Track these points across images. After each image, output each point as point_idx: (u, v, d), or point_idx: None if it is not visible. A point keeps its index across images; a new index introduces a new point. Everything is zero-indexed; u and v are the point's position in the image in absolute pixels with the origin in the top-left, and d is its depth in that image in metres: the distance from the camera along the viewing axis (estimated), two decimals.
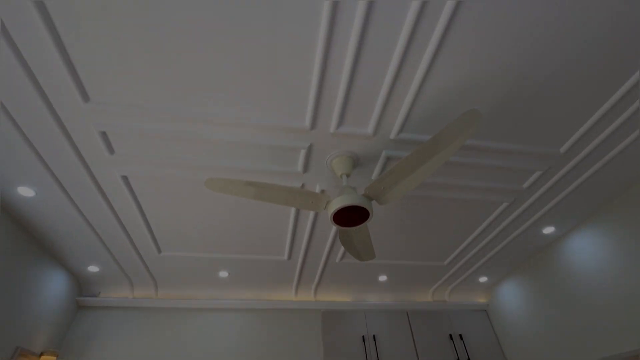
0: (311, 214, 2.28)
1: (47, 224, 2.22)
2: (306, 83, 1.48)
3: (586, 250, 2.54)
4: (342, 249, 2.70)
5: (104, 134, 1.64)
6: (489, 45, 1.37)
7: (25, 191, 1.94)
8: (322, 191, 2.07)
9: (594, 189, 2.24)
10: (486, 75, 1.49)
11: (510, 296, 3.29)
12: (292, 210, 2.23)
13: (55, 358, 2.46)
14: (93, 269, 2.77)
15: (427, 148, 1.37)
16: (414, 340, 3.28)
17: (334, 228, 2.44)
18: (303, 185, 2.02)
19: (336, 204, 1.54)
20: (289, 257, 2.74)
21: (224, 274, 2.96)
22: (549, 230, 2.64)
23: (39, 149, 1.70)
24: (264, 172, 1.91)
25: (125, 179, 1.90)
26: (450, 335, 3.34)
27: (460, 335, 3.34)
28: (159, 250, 2.59)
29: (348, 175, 1.80)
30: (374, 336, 3.22)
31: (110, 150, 1.72)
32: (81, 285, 3.00)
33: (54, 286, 2.63)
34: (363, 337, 3.21)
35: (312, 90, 1.50)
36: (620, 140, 1.89)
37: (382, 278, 3.20)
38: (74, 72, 1.38)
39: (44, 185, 1.91)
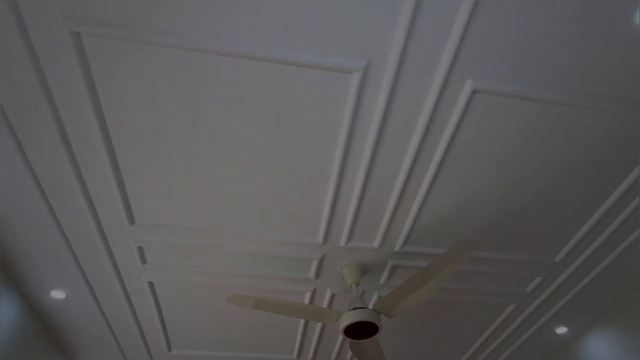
0: None
1: (69, 324, 2.32)
2: (320, 206, 1.72)
3: (604, 351, 2.47)
4: None
5: (140, 248, 1.85)
6: (481, 171, 1.59)
7: (57, 294, 2.10)
8: (333, 296, 2.17)
9: (601, 290, 2.29)
10: (480, 196, 1.71)
11: None
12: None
13: None
14: None
15: (427, 272, 1.53)
16: None
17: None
18: (315, 290, 2.14)
19: (347, 319, 1.64)
20: (298, 356, 2.71)
21: None
22: (562, 330, 2.61)
23: (79, 256, 1.90)
24: (279, 279, 2.05)
25: (151, 284, 2.06)
26: None
27: None
28: (169, 349, 2.60)
29: (357, 284, 1.93)
30: None
31: (143, 260, 1.92)
32: None
33: None
34: None
35: (324, 212, 1.73)
36: (617, 245, 2.01)
37: None
38: (126, 199, 1.65)
39: (76, 289, 2.07)
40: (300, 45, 1.19)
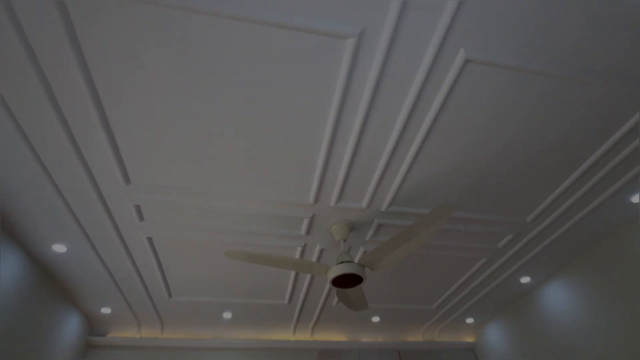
0: None
1: (72, 274, 2.45)
2: (312, 168, 1.78)
3: (560, 298, 2.81)
4: None
5: (137, 207, 1.92)
6: (468, 138, 1.68)
7: (59, 248, 2.19)
8: (322, 250, 2.34)
9: (563, 246, 2.54)
10: (463, 163, 1.81)
11: (496, 337, 3.51)
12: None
13: None
14: (106, 310, 2.97)
15: (408, 232, 1.66)
16: None
17: None
18: (305, 245, 2.30)
19: (335, 272, 1.81)
20: (289, 301, 2.97)
21: (227, 315, 3.16)
22: (525, 280, 2.92)
23: (77, 214, 1.96)
24: (272, 235, 2.19)
25: (149, 239, 2.17)
26: None
27: None
28: (170, 295, 2.81)
29: (345, 240, 2.08)
30: None
31: (141, 218, 1.99)
32: (92, 324, 3.18)
33: (68, 328, 2.81)
34: None
35: (316, 174, 1.81)
36: (578, 211, 2.21)
37: (375, 319, 3.42)
38: (120, 160, 1.68)
39: (76, 243, 2.16)
40: (296, 10, 1.15)
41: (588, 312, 2.56)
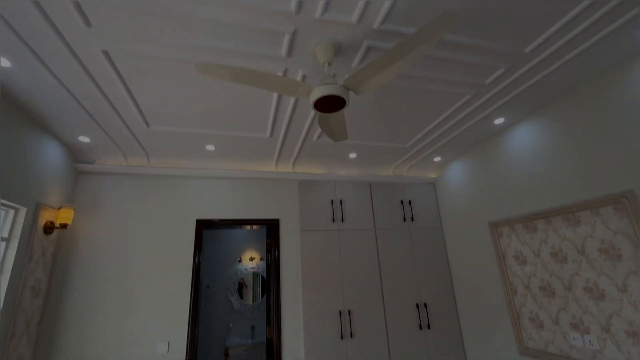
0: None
1: (31, 97, 2.24)
2: None
3: (527, 140, 3.02)
4: (319, 129, 2.99)
5: (77, 4, 1.55)
6: None
7: (1, 61, 1.90)
8: (304, 77, 2.18)
9: (546, 87, 2.51)
10: None
11: (455, 173, 3.96)
12: (276, 93, 2.37)
13: (72, 210, 2.89)
14: (84, 139, 2.94)
15: (403, 46, 1.50)
16: (372, 204, 4.05)
17: (312, 112, 2.65)
18: (286, 70, 2.12)
19: (318, 93, 1.72)
20: (271, 135, 3.02)
21: (210, 147, 3.25)
22: (499, 121, 3.03)
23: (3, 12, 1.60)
24: (249, 55, 1.95)
25: (106, 54, 1.89)
26: (402, 201, 4.14)
27: (410, 201, 4.15)
28: (147, 125, 2.75)
29: (330, 64, 1.91)
30: (340, 200, 3.93)
31: (87, 22, 1.66)
32: (75, 153, 3.21)
33: (51, 153, 2.83)
34: (332, 201, 3.91)
35: None
36: (577, 45, 2.06)
37: (352, 155, 3.66)
38: None
39: (19, 56, 1.87)
40: None
41: (552, 153, 2.81)
